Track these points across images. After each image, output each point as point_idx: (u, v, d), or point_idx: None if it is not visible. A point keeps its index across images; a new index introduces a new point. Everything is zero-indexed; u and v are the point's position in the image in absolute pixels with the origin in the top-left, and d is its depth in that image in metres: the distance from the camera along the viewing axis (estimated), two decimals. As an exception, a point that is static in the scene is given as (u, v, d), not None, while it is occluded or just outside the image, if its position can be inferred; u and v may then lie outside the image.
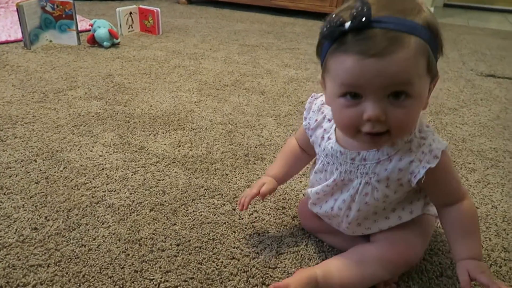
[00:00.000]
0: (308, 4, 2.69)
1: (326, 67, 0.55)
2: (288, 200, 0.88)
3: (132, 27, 2.13)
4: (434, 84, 0.56)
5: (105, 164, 0.97)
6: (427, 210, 0.68)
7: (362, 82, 0.50)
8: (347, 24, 0.49)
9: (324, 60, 0.55)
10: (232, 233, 0.77)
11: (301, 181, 0.94)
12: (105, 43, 1.84)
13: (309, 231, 0.79)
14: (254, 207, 0.85)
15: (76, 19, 1.83)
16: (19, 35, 1.87)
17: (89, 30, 1.94)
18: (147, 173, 0.95)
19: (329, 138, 0.64)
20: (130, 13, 2.09)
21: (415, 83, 0.50)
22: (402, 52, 0.48)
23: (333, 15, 0.50)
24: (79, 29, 1.89)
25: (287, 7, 2.75)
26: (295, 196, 0.89)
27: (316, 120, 0.68)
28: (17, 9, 1.68)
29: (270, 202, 0.87)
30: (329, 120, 0.66)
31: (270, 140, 1.12)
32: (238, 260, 0.71)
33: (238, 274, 0.68)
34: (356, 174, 0.61)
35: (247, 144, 1.10)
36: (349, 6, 0.51)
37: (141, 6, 2.13)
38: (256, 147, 1.08)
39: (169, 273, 0.68)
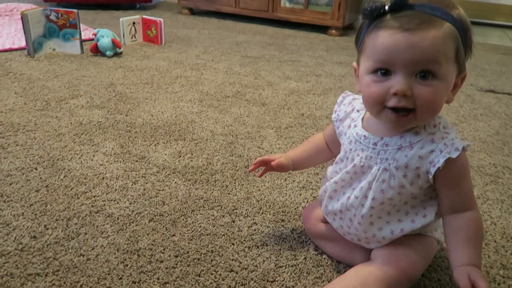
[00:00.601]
0: (310, 17, 2.72)
1: (362, 48, 0.60)
2: (288, 213, 0.88)
3: (135, 37, 2.14)
4: (462, 81, 0.60)
5: (105, 173, 0.97)
6: (431, 232, 0.67)
7: (394, 56, 0.54)
8: (387, 7, 0.55)
9: (361, 44, 0.60)
10: (230, 245, 0.77)
11: (300, 194, 0.94)
12: (108, 52, 1.85)
13: (311, 237, 0.79)
14: (253, 219, 0.85)
15: (79, 28, 1.85)
16: (23, 43, 1.89)
17: (92, 39, 1.95)
18: (147, 183, 0.95)
19: (355, 126, 0.67)
20: (134, 23, 2.11)
21: (442, 64, 0.54)
22: (433, 31, 0.53)
23: (375, 2, 0.56)
24: (82, 38, 1.91)
25: (289, 19, 2.78)
26: (295, 209, 0.89)
27: (345, 112, 0.70)
28: (21, 17, 1.70)
29: (270, 214, 0.87)
30: (358, 111, 0.68)
31: (271, 152, 1.12)
32: (237, 273, 0.71)
33: (236, 287, 0.68)
34: (376, 160, 0.62)
35: (247, 155, 1.10)
36: None
37: (144, 16, 2.15)
38: (256, 158, 1.08)
39: (167, 284, 0.68)
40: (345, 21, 2.65)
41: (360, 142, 0.64)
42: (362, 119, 0.67)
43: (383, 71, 0.56)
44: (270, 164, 0.75)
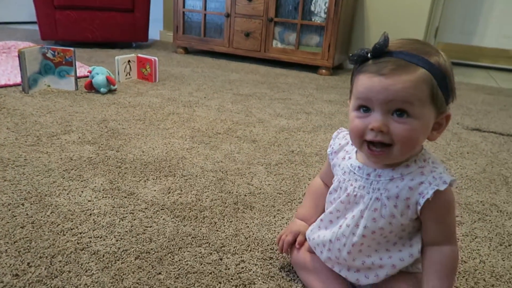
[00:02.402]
0: (301, 57, 2.81)
1: (351, 89, 0.65)
2: (276, 250, 0.87)
3: (129, 75, 2.19)
4: (447, 120, 0.63)
5: (93, 210, 0.97)
6: (419, 267, 0.68)
7: (370, 96, 0.60)
8: (369, 54, 0.61)
9: (351, 85, 0.66)
10: (217, 284, 0.76)
11: (289, 231, 0.94)
12: (102, 89, 1.88)
13: (294, 265, 0.80)
14: (241, 257, 0.84)
15: (75, 65, 1.89)
16: (18, 79, 1.91)
17: (87, 76, 1.99)
18: (135, 219, 0.94)
19: (349, 158, 0.71)
20: (129, 61, 2.16)
21: (415, 105, 0.58)
22: (406, 76, 0.58)
23: (362, 48, 0.62)
24: (77, 75, 1.94)
25: (281, 59, 2.87)
26: (283, 246, 0.88)
27: (339, 144, 0.75)
28: (18, 55, 1.73)
29: (258, 252, 0.86)
30: (352, 144, 0.72)
31: (260, 189, 1.13)
32: (223, 313, 0.69)
33: (222, 327, 0.66)
34: (368, 190, 0.66)
35: (236, 192, 1.10)
36: None
37: (139, 55, 2.20)
38: (245, 195, 1.09)
39: (151, 325, 0.66)
40: (334, 61, 2.74)
41: (354, 173, 0.68)
42: (356, 152, 0.71)
43: (365, 108, 0.62)
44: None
